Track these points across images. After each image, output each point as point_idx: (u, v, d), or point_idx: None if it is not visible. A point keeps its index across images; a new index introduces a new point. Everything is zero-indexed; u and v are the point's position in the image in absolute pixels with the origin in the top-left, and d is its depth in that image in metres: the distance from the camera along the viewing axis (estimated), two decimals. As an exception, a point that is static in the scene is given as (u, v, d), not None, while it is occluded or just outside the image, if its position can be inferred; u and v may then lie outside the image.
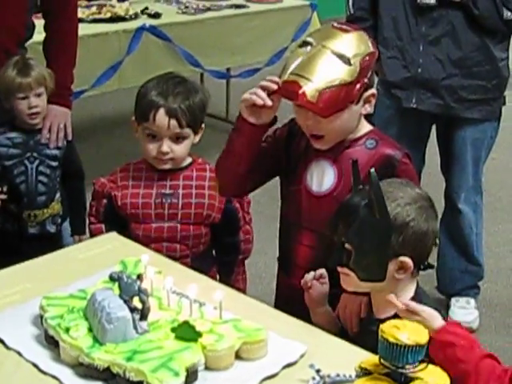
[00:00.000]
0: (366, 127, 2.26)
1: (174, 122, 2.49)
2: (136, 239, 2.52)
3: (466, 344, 1.74)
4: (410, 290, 1.99)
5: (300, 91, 2.07)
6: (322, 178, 2.23)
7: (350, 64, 2.10)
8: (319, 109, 2.09)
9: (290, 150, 2.30)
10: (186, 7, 5.23)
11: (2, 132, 3.03)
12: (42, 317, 1.89)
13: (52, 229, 3.12)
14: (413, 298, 1.94)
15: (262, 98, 2.12)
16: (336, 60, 2.10)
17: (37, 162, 3.04)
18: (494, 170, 5.10)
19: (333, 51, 2.10)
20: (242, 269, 2.73)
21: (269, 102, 2.12)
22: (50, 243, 3.05)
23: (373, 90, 2.20)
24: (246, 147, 2.21)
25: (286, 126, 2.33)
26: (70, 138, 3.15)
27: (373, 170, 1.87)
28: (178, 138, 2.53)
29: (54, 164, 3.08)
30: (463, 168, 3.48)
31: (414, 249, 1.93)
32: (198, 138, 2.59)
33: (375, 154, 2.20)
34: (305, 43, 2.15)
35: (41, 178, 3.05)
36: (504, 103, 3.47)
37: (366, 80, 2.15)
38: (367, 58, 2.14)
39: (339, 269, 1.98)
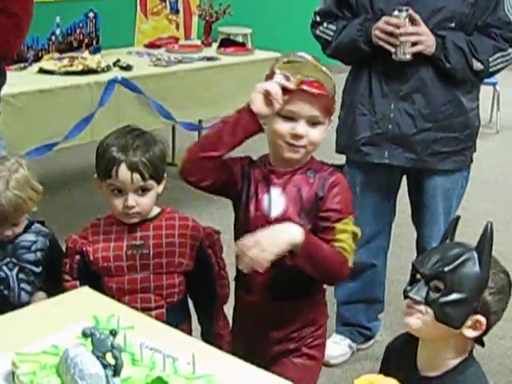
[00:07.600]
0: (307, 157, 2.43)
1: (136, 176, 2.50)
2: (110, 293, 2.52)
3: None
4: (461, 357, 1.98)
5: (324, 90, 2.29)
6: (275, 203, 2.38)
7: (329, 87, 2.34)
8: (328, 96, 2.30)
9: (250, 177, 2.42)
10: (158, 59, 5.27)
11: None
12: (13, 373, 1.87)
13: None
14: (459, 364, 1.96)
15: (277, 95, 2.24)
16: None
17: (16, 268, 2.67)
18: (465, 219, 5.13)
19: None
20: (222, 314, 2.72)
21: (279, 101, 2.24)
22: None
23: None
24: (233, 132, 2.31)
25: (247, 158, 2.47)
26: None
27: (490, 221, 1.95)
28: (142, 191, 2.54)
29: (38, 270, 2.70)
30: (434, 218, 3.49)
31: (487, 316, 1.94)
32: (161, 188, 2.59)
33: (313, 183, 2.36)
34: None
35: (23, 285, 2.68)
36: (475, 150, 3.49)
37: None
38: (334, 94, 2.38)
39: (411, 302, 1.97)
